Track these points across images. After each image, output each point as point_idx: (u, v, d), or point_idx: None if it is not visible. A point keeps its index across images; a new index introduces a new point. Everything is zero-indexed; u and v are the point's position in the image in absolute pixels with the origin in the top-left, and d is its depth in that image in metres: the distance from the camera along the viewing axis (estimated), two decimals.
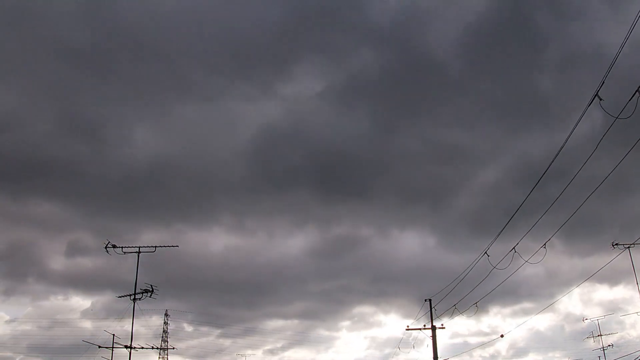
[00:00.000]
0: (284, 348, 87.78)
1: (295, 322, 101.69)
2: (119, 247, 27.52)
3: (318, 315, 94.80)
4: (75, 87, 65.68)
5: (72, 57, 63.82)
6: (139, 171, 63.73)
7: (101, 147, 66.30)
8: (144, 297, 27.61)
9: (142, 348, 29.06)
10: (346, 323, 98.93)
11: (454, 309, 32.14)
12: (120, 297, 28.17)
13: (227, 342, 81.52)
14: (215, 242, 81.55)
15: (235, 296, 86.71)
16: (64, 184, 67.51)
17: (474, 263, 27.10)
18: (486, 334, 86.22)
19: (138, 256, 27.74)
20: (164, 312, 71.56)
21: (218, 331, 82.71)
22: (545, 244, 20.86)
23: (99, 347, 29.10)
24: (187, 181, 67.46)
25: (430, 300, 35.45)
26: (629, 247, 29.59)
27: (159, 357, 67.83)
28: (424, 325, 35.26)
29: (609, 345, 46.67)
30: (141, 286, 27.81)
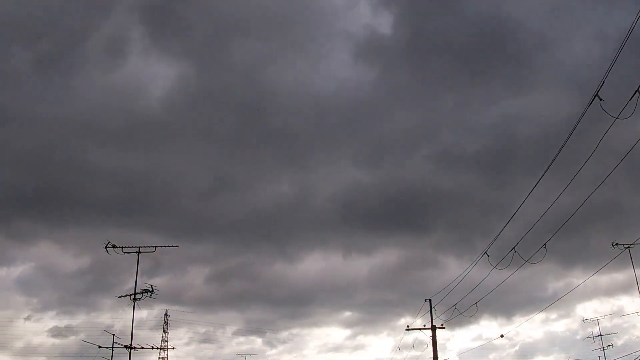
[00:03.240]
0: (320, 352, 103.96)
1: (340, 330, 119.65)
2: (119, 247, 27.48)
3: (362, 324, 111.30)
4: (224, 159, 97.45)
5: (225, 137, 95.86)
6: (259, 214, 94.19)
7: (234, 198, 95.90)
8: (144, 297, 27.58)
9: (142, 348, 29.03)
10: (386, 331, 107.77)
11: (454, 309, 32.16)
12: (120, 297, 28.16)
13: (266, 348, 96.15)
14: (299, 265, 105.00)
15: (297, 308, 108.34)
16: (196, 225, 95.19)
17: (474, 263, 27.17)
18: (509, 338, 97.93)
19: (138, 256, 27.68)
20: (164, 312, 71.68)
21: (260, 339, 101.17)
22: (545, 244, 20.86)
23: (99, 347, 29.09)
24: (293, 220, 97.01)
25: (430, 300, 35.21)
26: (629, 247, 29.57)
27: (159, 357, 67.81)
28: (424, 325, 35.04)
29: (609, 345, 46.73)
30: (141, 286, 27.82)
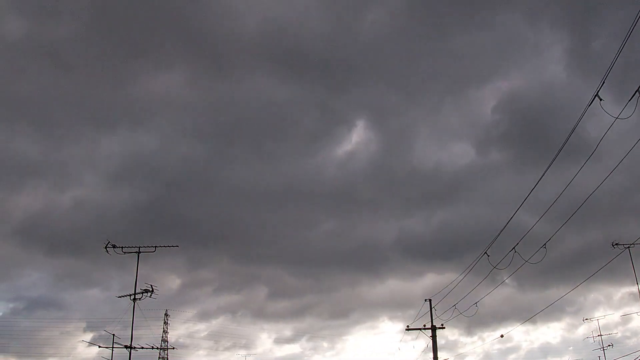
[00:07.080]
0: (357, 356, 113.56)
1: (380, 337, 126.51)
2: (119, 247, 27.48)
3: (400, 333, 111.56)
4: (339, 213, 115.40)
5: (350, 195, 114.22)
6: (350, 248, 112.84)
7: (336, 242, 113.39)
8: (144, 297, 27.57)
9: (142, 348, 29.03)
10: (424, 337, 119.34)
11: (454, 309, 32.16)
12: (120, 297, 28.15)
13: (309, 353, 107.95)
14: (360, 286, 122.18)
15: (344, 320, 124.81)
16: (297, 259, 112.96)
17: (474, 263, 27.15)
18: (531, 341, 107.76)
19: (138, 256, 27.67)
20: (164, 312, 71.76)
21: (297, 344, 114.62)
22: (545, 244, 20.86)
23: (99, 347, 29.11)
24: (366, 254, 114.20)
25: (430, 300, 35.11)
26: (629, 247, 29.57)
27: (159, 358, 67.82)
28: (424, 325, 34.95)
29: (609, 345, 46.77)
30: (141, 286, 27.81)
